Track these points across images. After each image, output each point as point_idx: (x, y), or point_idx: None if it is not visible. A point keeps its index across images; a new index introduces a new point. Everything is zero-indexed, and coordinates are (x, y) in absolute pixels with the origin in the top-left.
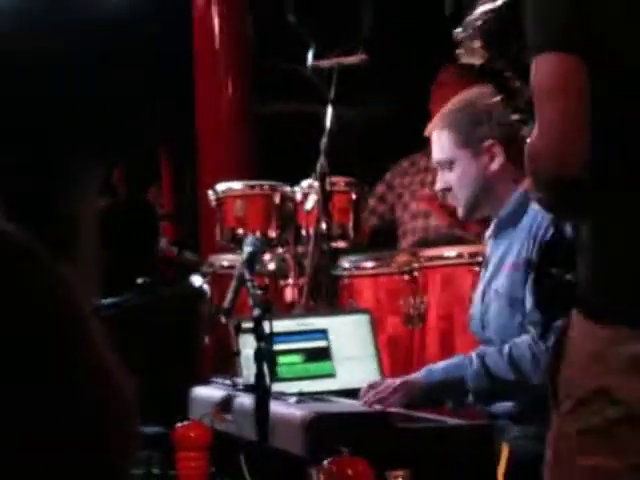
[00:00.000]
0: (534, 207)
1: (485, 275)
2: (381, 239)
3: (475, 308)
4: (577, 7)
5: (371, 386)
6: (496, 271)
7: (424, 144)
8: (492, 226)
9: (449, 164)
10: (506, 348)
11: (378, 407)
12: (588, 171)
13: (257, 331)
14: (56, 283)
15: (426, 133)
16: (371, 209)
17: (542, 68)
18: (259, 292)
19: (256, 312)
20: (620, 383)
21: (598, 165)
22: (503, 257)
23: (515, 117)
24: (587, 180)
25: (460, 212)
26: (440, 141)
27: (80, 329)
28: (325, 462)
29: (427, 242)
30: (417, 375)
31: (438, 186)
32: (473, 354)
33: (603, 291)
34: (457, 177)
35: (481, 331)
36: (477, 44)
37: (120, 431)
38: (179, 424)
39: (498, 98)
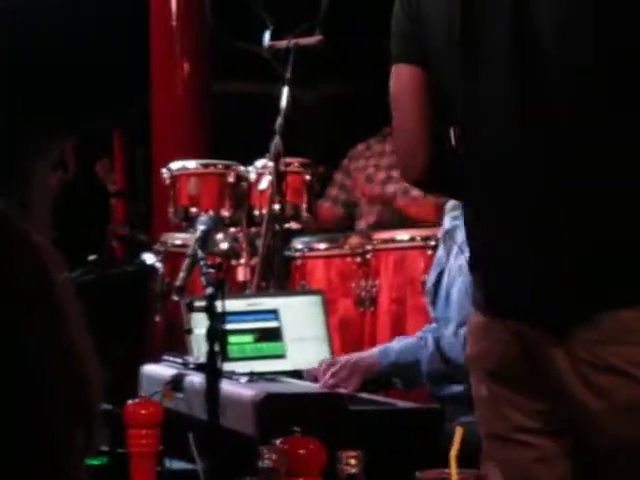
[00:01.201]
0: None
1: (446, 250)
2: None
3: (431, 284)
4: (412, 22)
5: (326, 365)
6: (463, 248)
7: (379, 128)
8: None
9: None
10: (462, 331)
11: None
12: (430, 171)
13: (209, 310)
14: (28, 255)
15: None
16: (334, 198)
17: (391, 79)
18: (212, 271)
19: (209, 291)
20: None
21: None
22: None
23: None
24: (430, 179)
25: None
26: None
27: (51, 305)
28: (277, 441)
29: (382, 225)
30: (372, 354)
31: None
32: (429, 336)
33: None
34: None
35: (443, 308)
36: None
37: (83, 419)
38: (130, 401)
39: None
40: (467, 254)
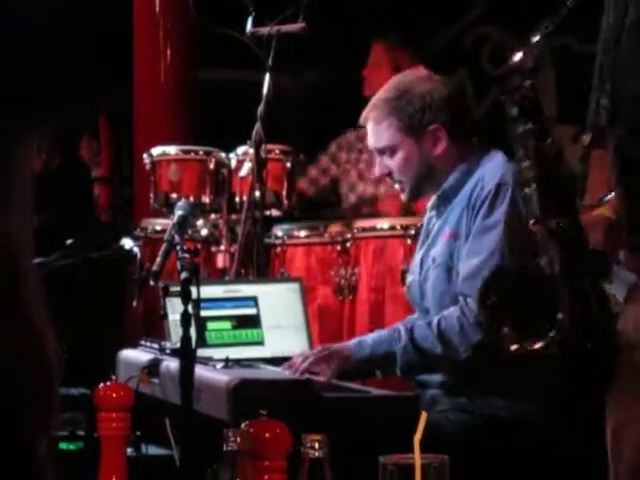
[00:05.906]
0: (474, 177)
1: (424, 244)
2: (316, 209)
3: (413, 277)
4: None
5: (300, 357)
6: (434, 240)
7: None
8: (434, 198)
9: (391, 151)
10: (435, 320)
11: (305, 376)
12: None
13: (183, 294)
14: None
15: (362, 121)
16: (313, 179)
17: None
18: (187, 256)
19: (183, 275)
20: None
21: None
22: (442, 226)
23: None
24: None
25: (404, 196)
26: (379, 129)
27: (14, 287)
28: (243, 424)
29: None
30: (348, 346)
31: (377, 171)
32: (402, 328)
33: None
34: (399, 163)
35: (420, 301)
36: None
37: (37, 402)
38: (101, 385)
39: (436, 80)
40: (439, 249)
